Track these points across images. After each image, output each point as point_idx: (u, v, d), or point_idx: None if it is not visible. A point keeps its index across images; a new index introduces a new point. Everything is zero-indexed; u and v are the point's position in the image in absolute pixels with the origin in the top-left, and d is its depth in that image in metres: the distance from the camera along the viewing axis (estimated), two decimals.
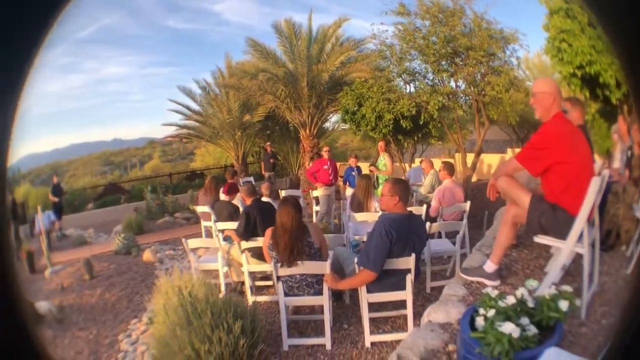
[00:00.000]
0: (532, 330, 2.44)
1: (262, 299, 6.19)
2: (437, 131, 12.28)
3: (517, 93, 10.44)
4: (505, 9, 16.21)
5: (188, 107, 17.91)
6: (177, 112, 17.90)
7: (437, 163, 8.94)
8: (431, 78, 11.41)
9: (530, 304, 2.62)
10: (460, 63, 10.42)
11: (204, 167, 20.90)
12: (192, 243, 6.78)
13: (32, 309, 6.85)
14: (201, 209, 9.06)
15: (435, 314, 3.82)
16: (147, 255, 9.95)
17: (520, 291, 2.69)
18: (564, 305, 2.54)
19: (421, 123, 11.41)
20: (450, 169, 7.47)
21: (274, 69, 14.85)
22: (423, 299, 5.55)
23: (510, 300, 2.60)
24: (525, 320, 2.48)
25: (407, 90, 12.01)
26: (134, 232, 11.89)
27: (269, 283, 6.71)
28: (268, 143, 16.64)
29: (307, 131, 15.34)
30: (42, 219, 11.58)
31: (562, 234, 3.31)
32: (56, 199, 14.18)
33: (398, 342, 4.16)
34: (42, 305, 7.62)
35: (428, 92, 10.77)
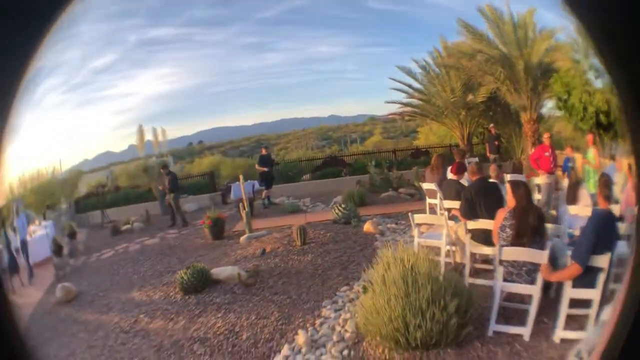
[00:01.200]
0: None
1: (479, 282, 6.20)
2: (621, 129, 11.80)
3: None
4: None
5: (410, 86, 18.13)
6: (400, 90, 18.17)
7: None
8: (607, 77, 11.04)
9: None
10: None
11: (428, 145, 20.69)
12: (418, 218, 7.21)
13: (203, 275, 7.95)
14: (427, 186, 9.40)
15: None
16: (367, 226, 10.11)
17: None
18: None
19: (612, 120, 11.21)
20: (630, 169, 7.61)
21: (489, 50, 15.01)
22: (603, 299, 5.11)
23: None
24: None
25: (598, 86, 11.74)
26: (355, 203, 12.14)
27: (488, 267, 6.73)
28: (492, 124, 16.49)
29: (528, 115, 15.19)
30: (246, 187, 12.39)
31: None
32: (265, 169, 15.36)
33: (578, 340, 4.44)
34: (224, 270, 8.25)
35: (609, 89, 10.56)
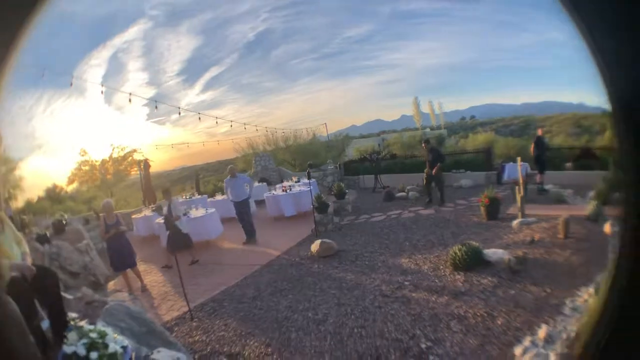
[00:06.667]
0: None
1: None
2: None
3: None
4: None
5: None
6: None
7: None
8: None
9: None
10: None
11: None
12: None
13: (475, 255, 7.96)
14: None
15: None
16: (607, 228, 9.02)
17: None
18: None
19: None
20: None
21: None
22: None
23: None
24: None
25: None
26: (601, 201, 10.96)
27: None
28: None
29: None
30: (521, 169, 11.88)
31: None
32: (537, 152, 14.78)
33: None
34: (495, 253, 8.16)
35: None
